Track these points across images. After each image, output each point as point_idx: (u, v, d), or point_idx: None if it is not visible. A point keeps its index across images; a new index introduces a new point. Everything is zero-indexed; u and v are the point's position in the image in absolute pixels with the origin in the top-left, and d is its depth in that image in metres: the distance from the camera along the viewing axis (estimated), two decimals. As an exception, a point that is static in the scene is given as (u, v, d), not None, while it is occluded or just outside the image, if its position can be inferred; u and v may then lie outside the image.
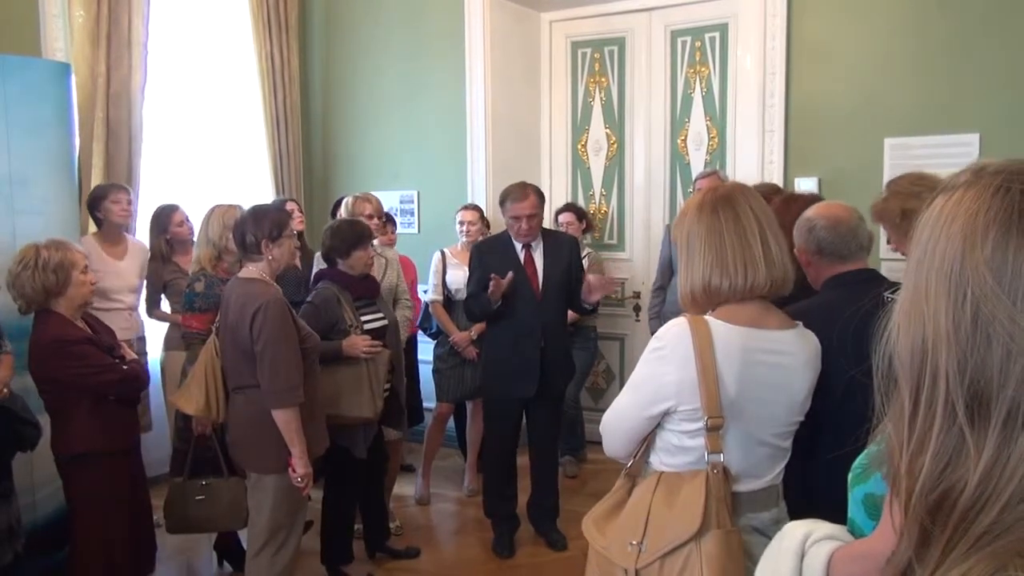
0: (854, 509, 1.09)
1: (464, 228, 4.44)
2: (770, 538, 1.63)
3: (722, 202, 1.67)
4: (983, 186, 0.63)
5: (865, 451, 1.12)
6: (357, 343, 3.17)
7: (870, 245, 2.11)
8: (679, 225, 1.74)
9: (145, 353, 4.03)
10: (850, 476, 1.12)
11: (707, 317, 1.64)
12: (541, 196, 3.73)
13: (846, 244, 2.05)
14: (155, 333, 4.15)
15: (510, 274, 3.50)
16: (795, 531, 1.05)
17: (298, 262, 3.70)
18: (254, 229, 2.71)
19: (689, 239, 1.69)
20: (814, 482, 1.76)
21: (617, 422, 1.74)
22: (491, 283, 3.46)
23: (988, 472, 0.58)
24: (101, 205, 3.89)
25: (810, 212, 2.14)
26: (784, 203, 2.64)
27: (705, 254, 1.65)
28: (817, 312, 1.85)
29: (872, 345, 0.69)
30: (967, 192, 0.64)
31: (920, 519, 0.63)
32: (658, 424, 1.69)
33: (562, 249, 3.74)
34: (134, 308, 4.02)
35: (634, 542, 1.60)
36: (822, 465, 1.61)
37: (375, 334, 3.28)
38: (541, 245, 3.70)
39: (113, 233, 3.94)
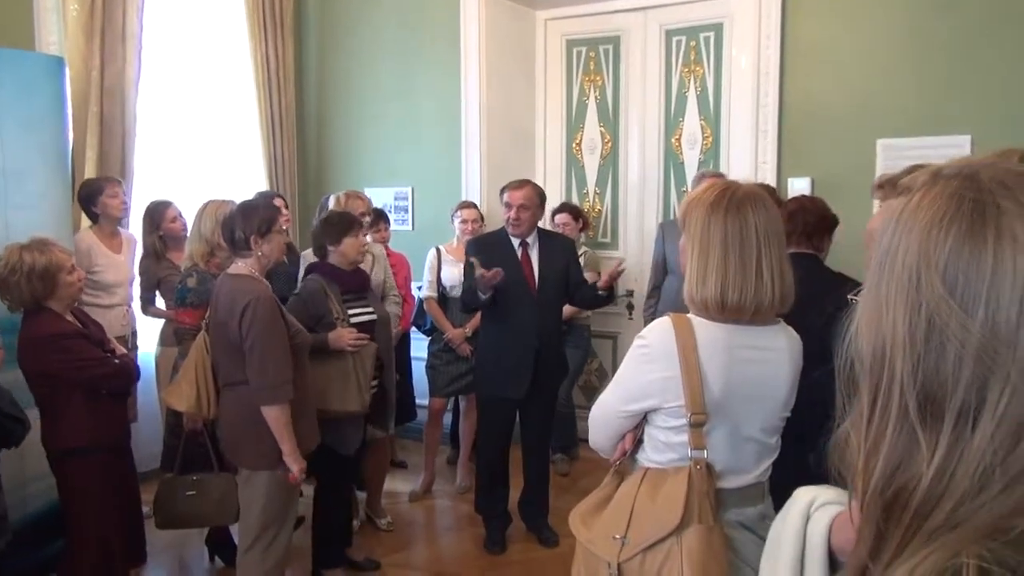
0: None
1: (467, 226, 4.44)
2: (756, 534, 1.66)
3: (733, 210, 1.60)
4: (938, 193, 0.64)
5: None
6: (343, 336, 3.16)
7: None
8: (693, 214, 1.65)
9: (136, 347, 4.04)
10: None
11: (689, 316, 1.64)
12: (540, 194, 3.74)
13: None
14: (150, 329, 4.16)
15: (499, 270, 3.46)
16: (802, 497, 1.11)
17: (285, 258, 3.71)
18: (243, 225, 2.71)
19: (703, 240, 1.62)
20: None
21: (601, 417, 1.76)
22: (480, 272, 3.41)
23: (941, 471, 0.60)
24: (98, 200, 3.88)
25: None
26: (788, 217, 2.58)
27: (719, 265, 1.59)
28: None
29: (835, 348, 0.70)
30: (924, 198, 0.65)
31: (876, 518, 0.65)
32: (646, 421, 1.70)
33: (559, 250, 3.75)
34: (130, 301, 4.03)
35: (617, 536, 1.62)
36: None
37: (362, 328, 3.28)
38: (538, 244, 3.71)
39: (110, 226, 3.95)
